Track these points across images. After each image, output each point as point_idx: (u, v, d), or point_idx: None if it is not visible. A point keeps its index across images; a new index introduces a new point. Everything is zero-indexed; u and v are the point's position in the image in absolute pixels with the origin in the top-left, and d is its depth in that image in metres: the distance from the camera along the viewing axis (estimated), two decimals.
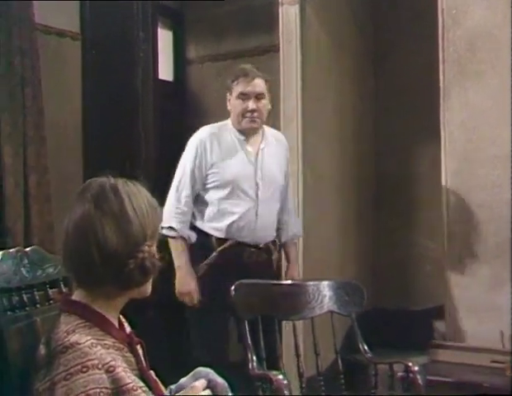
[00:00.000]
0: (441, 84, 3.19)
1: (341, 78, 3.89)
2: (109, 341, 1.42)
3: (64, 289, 1.70)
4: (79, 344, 1.34)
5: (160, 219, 1.55)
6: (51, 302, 1.66)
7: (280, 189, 3.03)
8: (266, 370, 2.27)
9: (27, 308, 1.57)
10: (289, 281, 2.82)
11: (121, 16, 4.19)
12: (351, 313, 2.52)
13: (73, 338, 1.35)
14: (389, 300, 3.99)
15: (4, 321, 1.47)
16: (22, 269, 1.57)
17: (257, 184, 2.94)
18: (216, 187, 2.93)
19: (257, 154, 2.97)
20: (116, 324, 1.49)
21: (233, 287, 2.35)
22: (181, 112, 4.73)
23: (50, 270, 1.67)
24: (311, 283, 2.52)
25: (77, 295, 1.48)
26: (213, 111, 4.57)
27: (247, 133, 2.98)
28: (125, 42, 4.24)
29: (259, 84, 2.94)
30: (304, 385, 2.43)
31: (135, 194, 1.47)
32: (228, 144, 2.97)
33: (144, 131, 4.26)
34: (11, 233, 3.70)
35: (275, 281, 2.65)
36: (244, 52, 4.40)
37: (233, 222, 2.89)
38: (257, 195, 2.93)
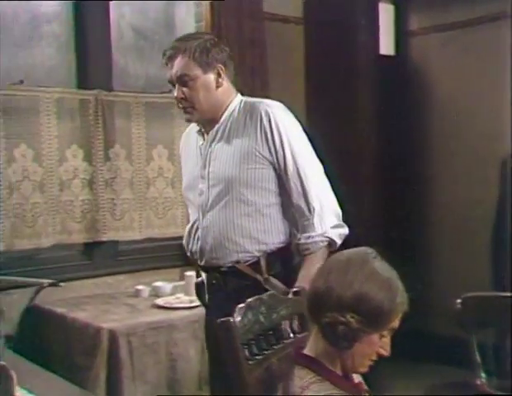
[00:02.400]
0: None
1: None
2: (338, 394, 1.53)
3: (295, 328, 1.81)
4: None
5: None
6: (284, 341, 1.78)
7: (244, 184, 2.13)
8: (495, 388, 2.25)
9: (265, 352, 1.70)
10: None
11: None
12: None
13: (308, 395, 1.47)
14: None
15: (246, 371, 1.61)
16: (260, 316, 1.69)
17: (200, 188, 2.23)
18: None
19: (206, 146, 2.24)
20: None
21: (459, 301, 2.34)
22: (403, 87, 4.60)
23: (283, 311, 1.78)
24: None
25: (308, 349, 1.59)
26: (438, 85, 4.41)
27: (201, 124, 2.27)
28: (346, 21, 4.22)
29: (179, 63, 2.14)
30: None
31: (388, 270, 1.54)
32: (190, 144, 2.35)
33: (365, 112, 4.23)
34: None
35: (506, 293, 2.57)
36: (473, 20, 4.15)
37: (185, 241, 2.32)
38: (201, 203, 2.21)
